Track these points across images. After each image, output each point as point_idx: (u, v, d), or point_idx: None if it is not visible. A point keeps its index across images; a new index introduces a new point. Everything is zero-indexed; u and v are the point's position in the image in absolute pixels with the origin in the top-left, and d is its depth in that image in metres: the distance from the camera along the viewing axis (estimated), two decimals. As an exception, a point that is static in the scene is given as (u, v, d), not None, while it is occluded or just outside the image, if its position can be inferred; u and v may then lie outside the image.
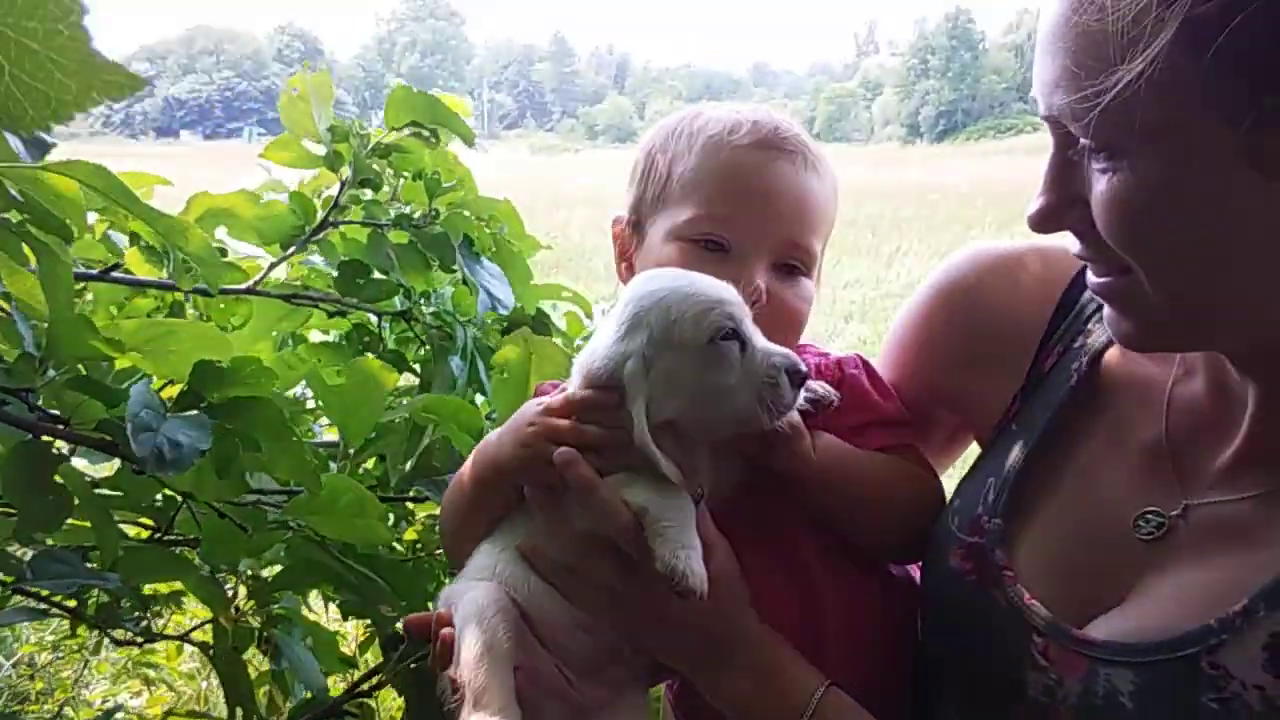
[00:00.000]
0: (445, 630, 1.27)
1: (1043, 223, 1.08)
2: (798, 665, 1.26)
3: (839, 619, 1.32)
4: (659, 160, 1.43)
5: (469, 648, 1.22)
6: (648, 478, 1.18)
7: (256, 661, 1.88)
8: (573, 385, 1.30)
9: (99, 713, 3.21)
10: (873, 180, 28.90)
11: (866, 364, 1.44)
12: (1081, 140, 1.00)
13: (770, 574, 1.32)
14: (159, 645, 3.28)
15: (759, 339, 1.22)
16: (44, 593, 1.56)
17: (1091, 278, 1.11)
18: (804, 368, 1.21)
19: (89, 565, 1.52)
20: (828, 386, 1.33)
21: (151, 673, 3.43)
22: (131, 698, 3.63)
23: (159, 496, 1.71)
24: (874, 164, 40.15)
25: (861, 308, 12.50)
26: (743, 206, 1.35)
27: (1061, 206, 1.06)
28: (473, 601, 1.27)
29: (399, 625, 1.60)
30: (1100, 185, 1.00)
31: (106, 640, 2.30)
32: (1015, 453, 1.28)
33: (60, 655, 3.65)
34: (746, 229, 1.35)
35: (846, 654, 1.30)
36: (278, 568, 1.71)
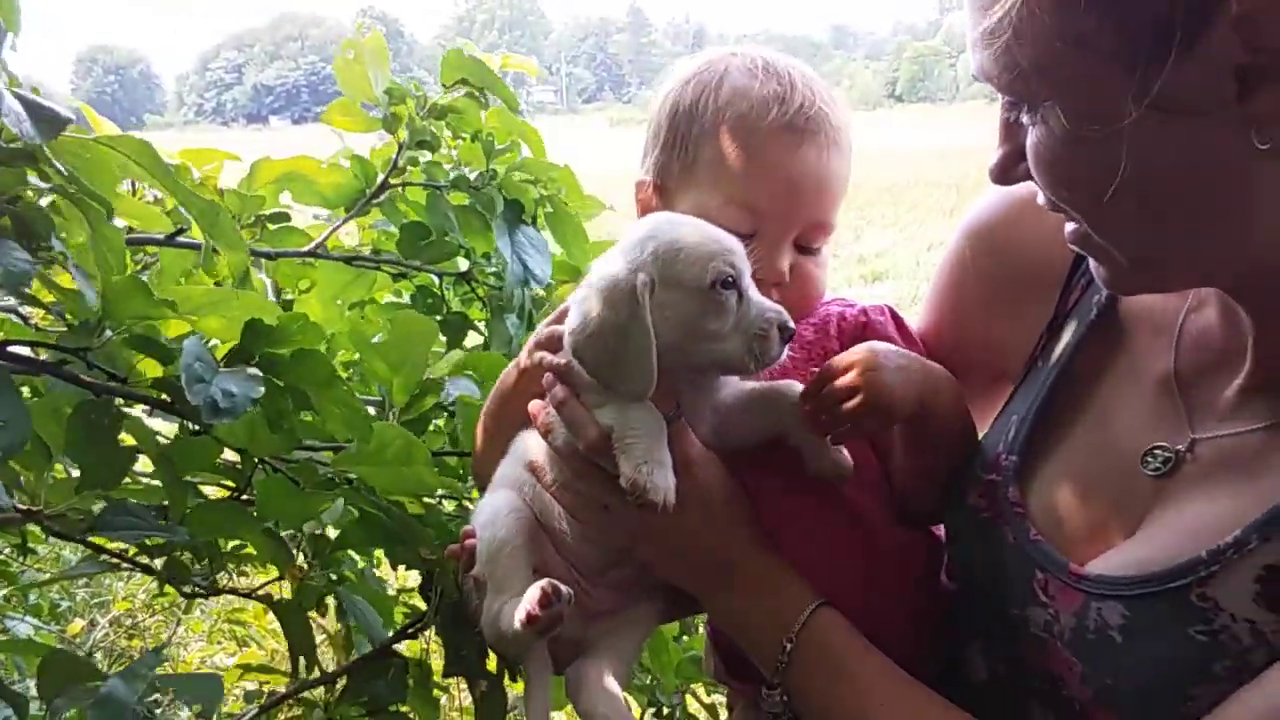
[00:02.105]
0: (469, 540, 1.39)
1: (999, 176, 1.08)
2: (793, 583, 1.26)
3: (898, 566, 1.34)
4: (683, 130, 1.44)
5: (486, 545, 1.32)
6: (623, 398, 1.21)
7: (325, 618, 1.92)
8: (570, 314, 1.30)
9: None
10: (959, 140, 28.14)
11: (894, 313, 1.46)
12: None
13: (831, 525, 1.33)
14: (248, 605, 3.40)
15: (754, 292, 1.25)
16: (117, 546, 1.61)
17: (1066, 225, 1.09)
18: (793, 325, 1.23)
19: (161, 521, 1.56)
20: None
21: (240, 630, 3.56)
22: (227, 656, 3.79)
23: (235, 457, 1.76)
24: (960, 124, 38.99)
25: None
26: (769, 196, 1.38)
27: (1013, 159, 1.06)
28: (490, 507, 1.37)
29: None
30: (1028, 139, 1.01)
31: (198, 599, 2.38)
32: (1038, 389, 1.27)
33: (156, 615, 3.81)
34: (772, 217, 1.38)
35: (899, 597, 1.33)
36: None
